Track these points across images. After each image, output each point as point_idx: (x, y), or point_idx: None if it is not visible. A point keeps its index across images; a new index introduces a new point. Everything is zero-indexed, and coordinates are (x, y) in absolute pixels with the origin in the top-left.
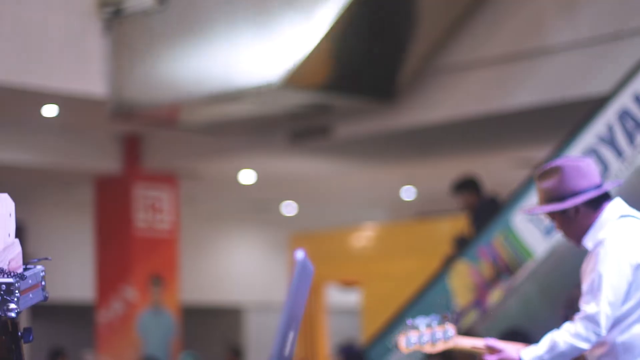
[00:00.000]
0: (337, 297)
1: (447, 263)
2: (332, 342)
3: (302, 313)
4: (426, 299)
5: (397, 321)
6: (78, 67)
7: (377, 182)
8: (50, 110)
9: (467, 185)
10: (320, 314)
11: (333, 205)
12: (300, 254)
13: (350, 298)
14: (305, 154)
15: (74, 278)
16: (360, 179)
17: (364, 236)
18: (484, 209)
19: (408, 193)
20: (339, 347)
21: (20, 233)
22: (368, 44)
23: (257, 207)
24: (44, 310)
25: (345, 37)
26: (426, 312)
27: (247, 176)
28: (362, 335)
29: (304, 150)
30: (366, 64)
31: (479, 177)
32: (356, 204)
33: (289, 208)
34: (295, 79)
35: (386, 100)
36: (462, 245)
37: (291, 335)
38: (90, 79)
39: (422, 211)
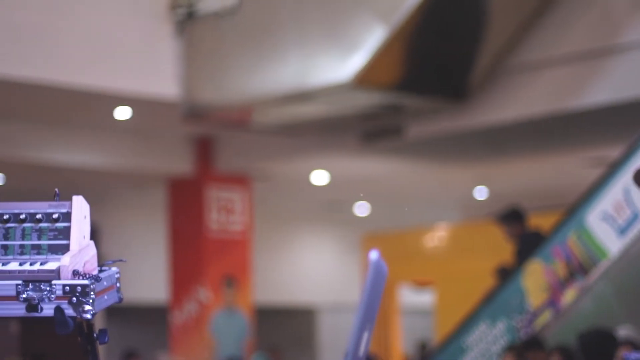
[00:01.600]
0: (411, 297)
1: (489, 295)
2: (406, 342)
3: (377, 313)
4: (500, 298)
5: (470, 321)
6: (150, 69)
7: (449, 182)
8: (123, 113)
9: (512, 216)
10: (394, 315)
11: (406, 205)
12: (374, 255)
13: (423, 298)
14: (377, 155)
15: (148, 279)
16: (432, 179)
17: (437, 236)
18: (527, 240)
19: (481, 193)
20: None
21: (94, 235)
22: (440, 43)
23: (330, 207)
24: (118, 312)
25: (417, 36)
26: (500, 312)
27: (319, 177)
28: (435, 335)
29: (376, 150)
30: (438, 63)
31: (523, 209)
32: (429, 204)
33: (361, 208)
34: (367, 78)
35: (458, 99)
36: (504, 276)
37: (365, 335)
38: (163, 81)
39: (495, 211)
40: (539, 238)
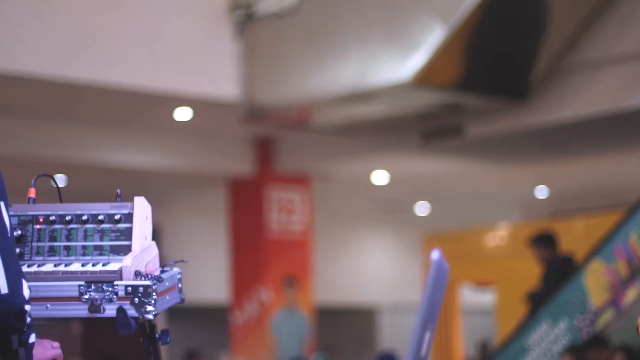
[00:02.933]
0: (472, 297)
1: (525, 323)
2: (467, 343)
3: (438, 313)
4: (561, 298)
5: (531, 321)
6: (210, 70)
7: (510, 182)
8: (183, 114)
9: (543, 240)
10: (455, 314)
11: (466, 205)
12: (436, 254)
13: (484, 298)
14: (437, 154)
15: (209, 280)
16: (493, 179)
17: (498, 236)
18: (557, 265)
19: (541, 192)
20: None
21: (156, 236)
22: (500, 42)
23: (390, 207)
24: (180, 312)
25: (476, 35)
26: (561, 312)
27: (379, 177)
28: (497, 335)
29: (436, 150)
30: (498, 62)
31: (555, 234)
32: (489, 204)
33: (422, 208)
34: (427, 78)
35: (519, 99)
36: (534, 301)
37: (427, 335)
38: (223, 82)
39: (556, 210)
40: (568, 263)
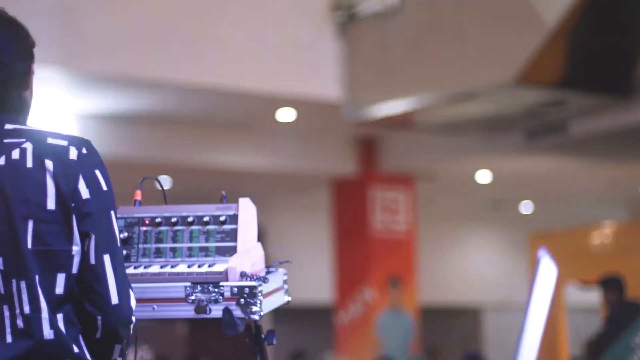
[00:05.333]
0: (577, 296)
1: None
2: (573, 341)
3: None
4: None
5: (638, 320)
6: (313, 71)
7: (615, 180)
8: (286, 115)
9: (610, 283)
10: (560, 313)
11: (571, 203)
12: (542, 253)
13: (589, 297)
14: (541, 152)
15: (313, 280)
16: (598, 177)
17: (603, 234)
18: (622, 310)
19: None
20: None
21: (261, 237)
22: (604, 38)
23: (495, 206)
24: (285, 313)
25: (579, 32)
26: None
27: (484, 176)
28: None
29: (540, 148)
30: (602, 59)
31: (623, 278)
32: (594, 202)
33: (527, 207)
34: (530, 76)
35: (623, 95)
36: (598, 345)
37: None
38: (325, 83)
39: None
40: (633, 309)
